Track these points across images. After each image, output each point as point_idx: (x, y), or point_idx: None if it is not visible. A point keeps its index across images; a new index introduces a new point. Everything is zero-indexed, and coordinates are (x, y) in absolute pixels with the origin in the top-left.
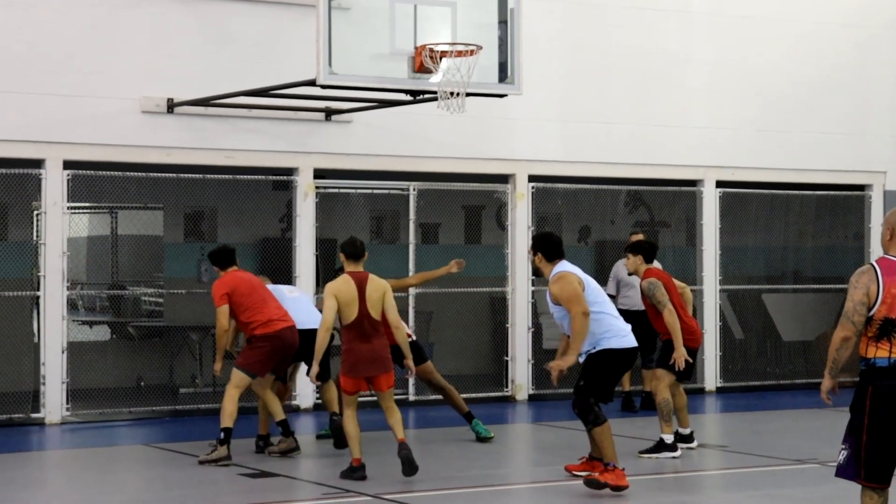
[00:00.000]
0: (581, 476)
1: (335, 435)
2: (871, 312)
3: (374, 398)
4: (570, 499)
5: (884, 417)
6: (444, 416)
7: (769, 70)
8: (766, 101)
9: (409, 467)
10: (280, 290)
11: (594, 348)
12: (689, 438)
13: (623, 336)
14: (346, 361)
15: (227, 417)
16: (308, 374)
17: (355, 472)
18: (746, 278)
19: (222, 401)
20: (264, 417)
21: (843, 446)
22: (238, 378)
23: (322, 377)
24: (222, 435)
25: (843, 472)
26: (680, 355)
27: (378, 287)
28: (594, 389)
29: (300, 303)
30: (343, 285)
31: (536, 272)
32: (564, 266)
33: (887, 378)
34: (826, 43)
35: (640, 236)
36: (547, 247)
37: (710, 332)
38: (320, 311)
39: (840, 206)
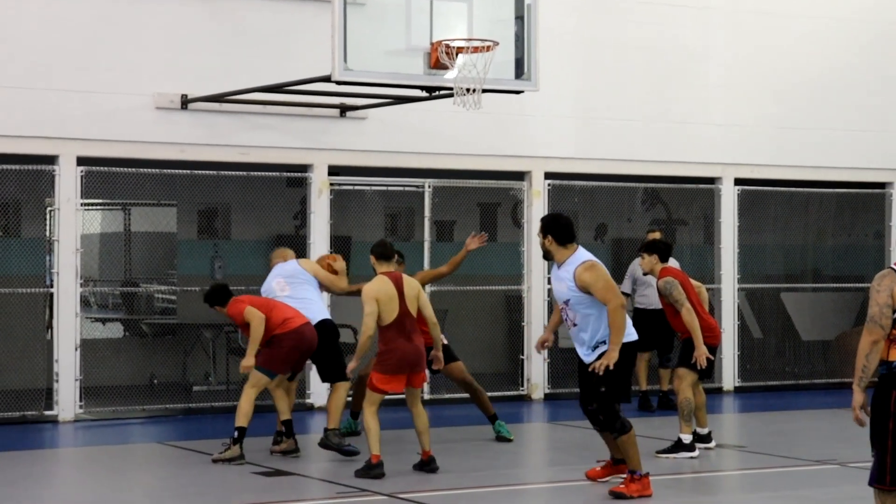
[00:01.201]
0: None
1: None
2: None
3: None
4: (586, 499)
5: None
6: (459, 415)
7: (788, 66)
8: (785, 98)
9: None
10: (273, 293)
11: (604, 344)
12: (707, 438)
13: (630, 330)
14: (387, 361)
15: (243, 416)
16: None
17: (373, 469)
18: (765, 277)
19: (239, 400)
20: (284, 408)
21: (873, 453)
22: (256, 378)
23: (337, 377)
24: (236, 434)
25: (873, 479)
26: (701, 353)
27: (413, 285)
28: (617, 393)
29: (302, 300)
30: (382, 286)
31: (547, 255)
32: (588, 254)
33: None
34: (846, 38)
35: (657, 234)
36: (559, 229)
37: (728, 331)
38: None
39: (860, 203)
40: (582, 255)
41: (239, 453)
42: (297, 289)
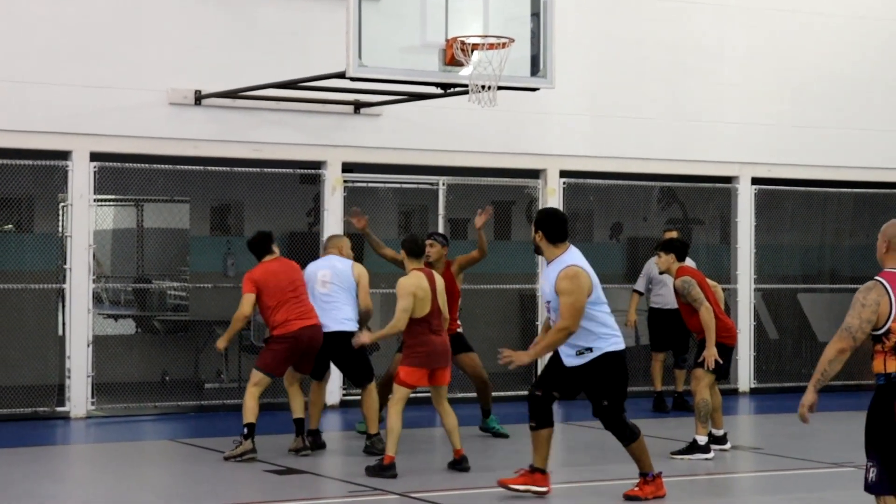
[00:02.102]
0: (517, 490)
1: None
2: (886, 327)
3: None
4: (598, 499)
5: None
6: (473, 415)
7: (806, 64)
8: (803, 97)
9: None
10: (314, 281)
11: (592, 351)
12: (722, 440)
13: (619, 338)
14: (415, 354)
15: (249, 413)
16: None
17: (386, 470)
18: (781, 277)
19: (244, 397)
20: (314, 413)
21: (870, 463)
22: (257, 377)
23: (365, 379)
24: (245, 430)
25: (875, 488)
26: (711, 354)
27: (441, 282)
28: (621, 405)
29: (335, 304)
30: (419, 281)
31: (537, 250)
32: (576, 258)
33: None
34: (865, 37)
35: (674, 234)
36: (550, 226)
37: (744, 331)
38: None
39: (878, 203)
40: (569, 257)
41: (250, 447)
42: (335, 290)
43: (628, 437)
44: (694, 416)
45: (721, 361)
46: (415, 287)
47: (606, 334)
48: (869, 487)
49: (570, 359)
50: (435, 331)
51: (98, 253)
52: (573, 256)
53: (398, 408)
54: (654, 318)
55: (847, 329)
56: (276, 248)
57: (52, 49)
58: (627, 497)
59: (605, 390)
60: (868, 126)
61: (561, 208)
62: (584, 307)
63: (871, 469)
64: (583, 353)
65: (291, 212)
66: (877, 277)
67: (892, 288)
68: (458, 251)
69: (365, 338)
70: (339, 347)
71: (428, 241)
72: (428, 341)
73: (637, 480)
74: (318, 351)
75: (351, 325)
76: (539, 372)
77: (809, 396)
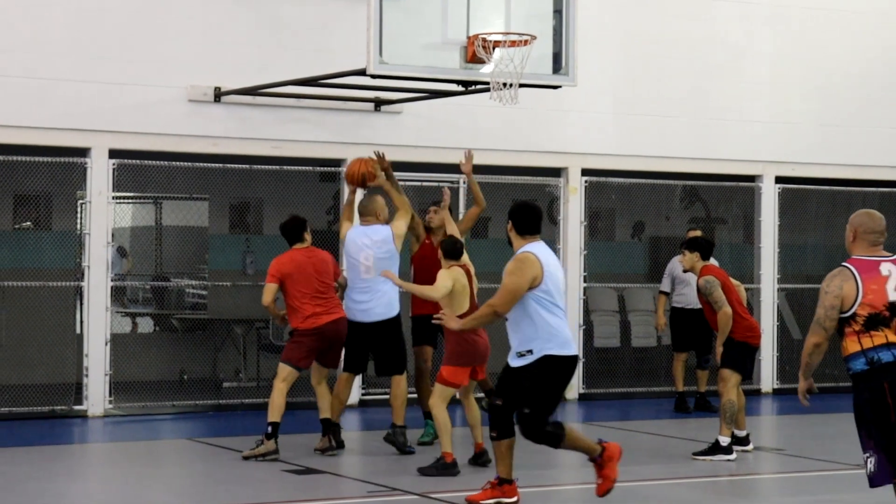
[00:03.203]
0: None
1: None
2: (853, 310)
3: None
4: (619, 500)
5: None
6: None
7: (832, 62)
8: (828, 94)
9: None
10: (357, 259)
11: (531, 353)
12: (744, 441)
13: (566, 342)
14: (460, 354)
15: (275, 411)
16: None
17: (449, 468)
18: (805, 277)
19: (271, 394)
20: (335, 406)
21: (868, 454)
22: (284, 372)
23: (394, 370)
24: (269, 429)
25: (879, 479)
26: (718, 353)
27: (475, 282)
28: (544, 416)
29: (377, 291)
30: (459, 276)
31: (510, 241)
32: (532, 248)
33: None
34: (891, 35)
35: (698, 233)
36: (519, 218)
37: (767, 331)
38: None
39: None
40: (526, 247)
41: (273, 448)
42: (377, 272)
43: (553, 442)
44: (716, 416)
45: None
46: (454, 277)
47: (550, 336)
48: (872, 479)
49: (513, 360)
50: (476, 329)
51: (130, 250)
52: (532, 246)
53: (444, 406)
54: (677, 318)
55: (816, 322)
56: (307, 237)
57: (71, 45)
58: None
59: (531, 395)
60: (893, 124)
61: (582, 207)
62: (519, 292)
63: (870, 460)
64: (524, 355)
65: (311, 210)
66: (843, 264)
67: (858, 272)
68: (478, 250)
69: (453, 323)
70: (381, 334)
71: (432, 209)
72: (472, 340)
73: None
74: (342, 344)
75: (394, 311)
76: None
77: (802, 384)
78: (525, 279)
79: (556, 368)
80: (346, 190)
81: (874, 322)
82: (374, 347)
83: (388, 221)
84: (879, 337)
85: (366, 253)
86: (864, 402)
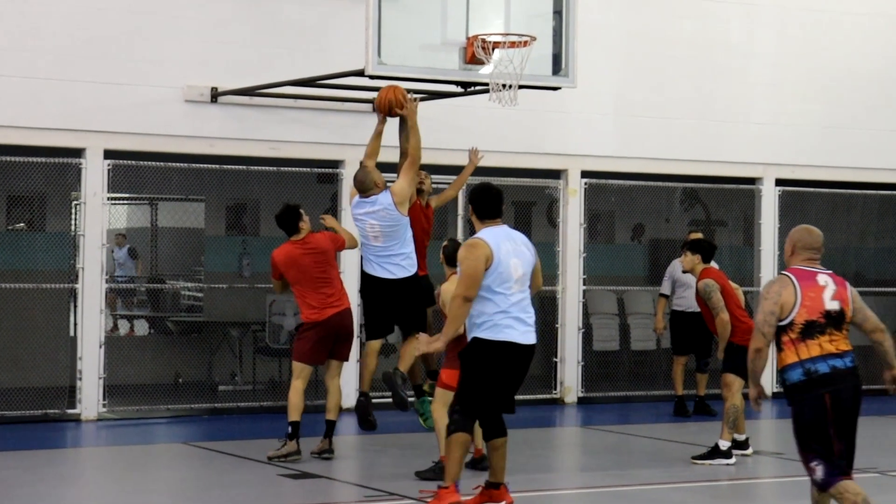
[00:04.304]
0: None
1: (360, 414)
2: (791, 317)
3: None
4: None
5: (842, 417)
6: None
7: (834, 65)
8: (830, 96)
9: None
10: (366, 234)
11: (467, 338)
12: (744, 445)
13: (503, 328)
14: (458, 355)
15: (293, 411)
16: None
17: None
18: None
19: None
20: (366, 377)
21: (814, 463)
22: (297, 369)
23: (418, 327)
24: (289, 429)
25: (826, 483)
26: (720, 357)
27: None
28: (461, 395)
29: (390, 255)
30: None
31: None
32: (484, 233)
33: (838, 382)
34: (893, 37)
35: (699, 235)
36: (480, 202)
37: None
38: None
39: None
40: (480, 232)
41: (295, 448)
42: (386, 240)
43: (449, 427)
44: (716, 420)
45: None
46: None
47: (483, 320)
48: (821, 484)
49: None
50: None
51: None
52: (487, 231)
53: (445, 410)
54: (676, 321)
55: (756, 327)
56: (303, 226)
57: (67, 44)
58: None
59: (461, 376)
60: (894, 127)
61: (582, 209)
62: (477, 273)
63: (817, 467)
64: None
65: (308, 211)
66: (782, 272)
67: (797, 280)
68: None
69: (436, 344)
70: (401, 293)
71: (423, 173)
72: None
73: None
74: (350, 336)
75: (411, 269)
76: None
77: (753, 391)
78: (479, 261)
79: (482, 352)
80: (343, 190)
81: (811, 330)
82: (396, 305)
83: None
84: (815, 347)
85: (370, 223)
86: (805, 413)
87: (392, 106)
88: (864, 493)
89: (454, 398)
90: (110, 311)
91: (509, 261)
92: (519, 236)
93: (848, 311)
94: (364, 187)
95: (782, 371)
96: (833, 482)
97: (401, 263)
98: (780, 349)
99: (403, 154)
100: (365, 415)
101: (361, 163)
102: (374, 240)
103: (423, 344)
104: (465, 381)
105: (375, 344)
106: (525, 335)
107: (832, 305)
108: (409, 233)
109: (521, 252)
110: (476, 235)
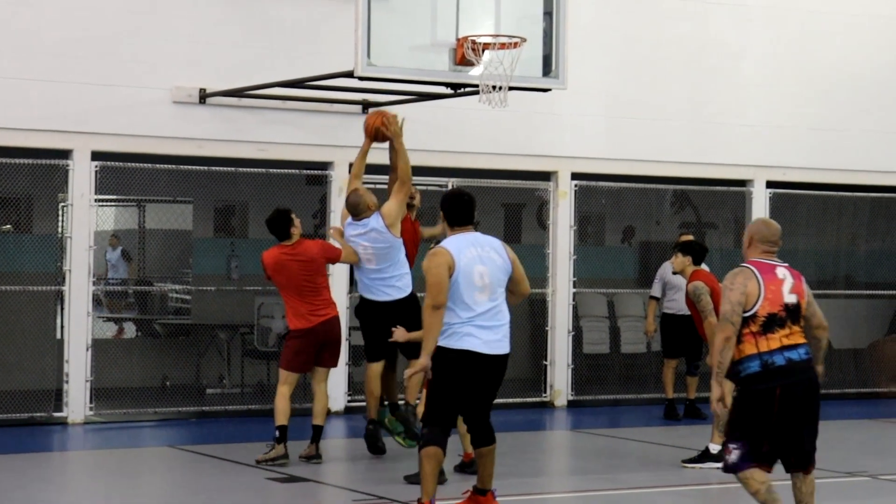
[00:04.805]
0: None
1: (369, 443)
2: (754, 309)
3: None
4: None
5: (791, 413)
6: None
7: (825, 67)
8: (821, 98)
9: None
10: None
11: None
12: None
13: (464, 336)
14: None
15: (279, 415)
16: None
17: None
18: None
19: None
20: (372, 402)
21: (734, 446)
22: (282, 377)
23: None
24: (277, 433)
25: (735, 466)
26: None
27: None
28: (427, 406)
29: (385, 278)
30: None
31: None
32: (448, 241)
33: (791, 375)
34: (888, 38)
35: (690, 237)
36: (448, 209)
37: None
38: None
39: (895, 208)
40: (444, 241)
41: (283, 452)
42: (381, 264)
43: (420, 442)
44: (706, 423)
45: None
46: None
47: (447, 328)
48: (729, 467)
49: None
50: None
51: (99, 254)
52: (450, 240)
53: None
54: (667, 324)
55: (723, 317)
56: (294, 231)
57: (54, 45)
58: None
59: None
60: (886, 129)
61: (572, 212)
62: (442, 281)
63: (734, 451)
64: None
65: (297, 214)
66: (743, 264)
67: (759, 273)
68: None
69: (421, 361)
70: (397, 315)
71: (414, 188)
72: None
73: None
74: (337, 343)
75: (406, 290)
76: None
77: (717, 391)
78: (441, 268)
79: (442, 361)
80: (332, 192)
81: (772, 322)
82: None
83: (376, 205)
84: (774, 340)
85: (362, 245)
86: (751, 404)
87: (378, 132)
88: (769, 482)
89: (427, 400)
90: (109, 312)
91: (472, 268)
92: (489, 242)
93: (804, 304)
94: (357, 210)
95: (739, 362)
96: (742, 468)
97: (396, 285)
98: (739, 341)
99: (393, 172)
100: (374, 442)
101: (350, 182)
102: (367, 262)
103: (410, 369)
104: (430, 391)
105: (377, 367)
106: (490, 345)
107: (790, 298)
108: (403, 253)
109: (489, 258)
110: (440, 244)
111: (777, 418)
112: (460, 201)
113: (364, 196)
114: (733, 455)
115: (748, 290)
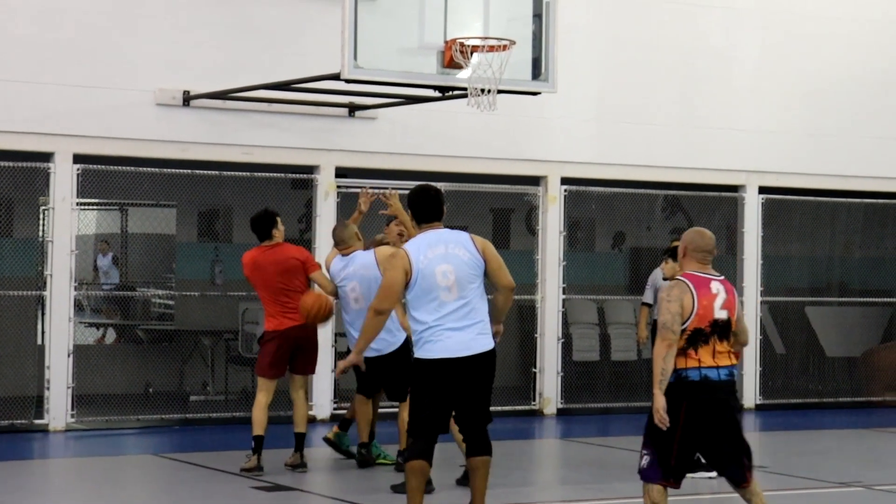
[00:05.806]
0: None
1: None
2: (685, 324)
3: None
4: None
5: (697, 430)
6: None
7: (818, 70)
8: (814, 103)
9: None
10: (345, 294)
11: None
12: None
13: (434, 343)
14: None
15: (254, 425)
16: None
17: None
18: (789, 290)
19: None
20: (363, 426)
21: (645, 451)
22: (260, 383)
23: (399, 396)
24: (253, 444)
25: (647, 475)
26: None
27: None
28: (412, 419)
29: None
30: None
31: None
32: (410, 243)
33: (701, 393)
34: (878, 42)
35: None
36: (414, 205)
37: (749, 346)
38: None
39: (889, 215)
40: (410, 240)
41: (255, 465)
42: (369, 298)
43: (405, 456)
44: None
45: None
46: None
47: (418, 337)
48: (640, 472)
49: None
50: None
51: (80, 259)
52: (419, 238)
53: None
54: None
55: (663, 326)
56: (276, 234)
57: (35, 47)
58: None
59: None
60: (880, 134)
61: (561, 217)
62: (394, 286)
63: (645, 457)
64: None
65: (282, 218)
66: (678, 277)
67: (694, 287)
68: None
69: (351, 358)
70: (386, 364)
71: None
72: None
73: None
74: (313, 349)
75: (399, 336)
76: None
77: (660, 400)
78: (396, 270)
79: (418, 372)
80: (318, 196)
81: (696, 338)
82: (382, 374)
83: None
84: (693, 360)
85: (350, 285)
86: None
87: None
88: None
89: (410, 411)
90: (108, 319)
91: (434, 269)
92: (455, 237)
93: (734, 320)
94: (342, 238)
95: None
96: (650, 477)
97: (389, 328)
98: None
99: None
100: (366, 466)
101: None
102: (354, 303)
103: (341, 362)
104: (412, 403)
105: (362, 398)
106: (464, 346)
107: (721, 315)
108: None
109: (454, 256)
110: (404, 245)
111: (682, 433)
112: (426, 196)
113: (350, 226)
114: (643, 461)
115: (684, 303)
